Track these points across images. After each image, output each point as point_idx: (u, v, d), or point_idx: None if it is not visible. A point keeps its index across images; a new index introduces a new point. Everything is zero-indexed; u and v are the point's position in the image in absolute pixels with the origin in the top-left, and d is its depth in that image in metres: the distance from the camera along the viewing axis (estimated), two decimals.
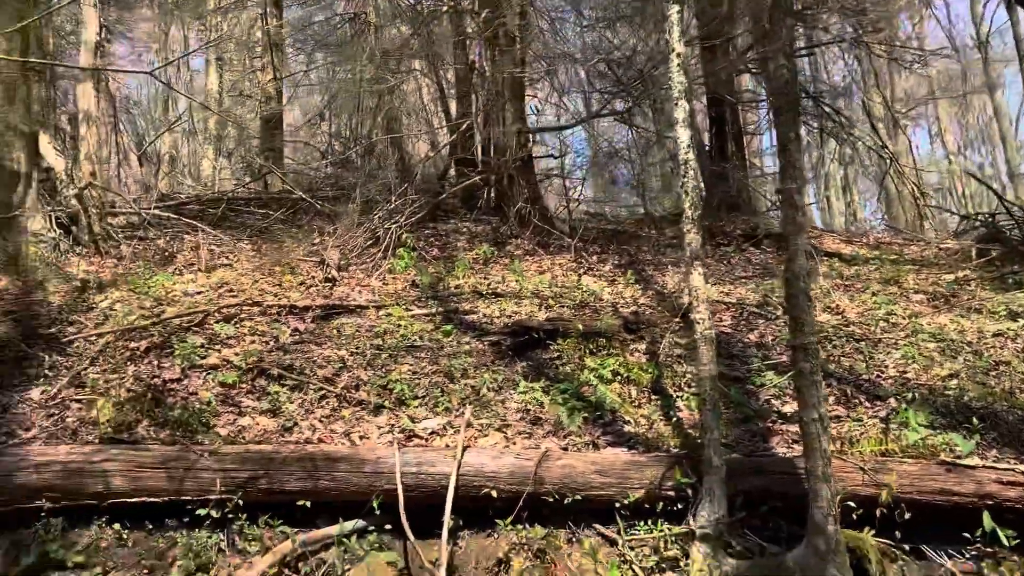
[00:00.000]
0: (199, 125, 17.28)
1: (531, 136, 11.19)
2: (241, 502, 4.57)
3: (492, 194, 11.28)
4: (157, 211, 10.04)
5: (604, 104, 10.67)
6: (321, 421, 5.48)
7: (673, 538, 4.61)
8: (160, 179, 12.72)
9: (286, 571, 4.41)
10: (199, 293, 7.41)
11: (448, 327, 6.86)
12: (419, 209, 9.75)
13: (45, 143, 9.91)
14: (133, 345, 6.19)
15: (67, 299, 7.10)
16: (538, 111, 13.30)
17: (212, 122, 14.62)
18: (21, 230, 9.08)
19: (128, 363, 5.91)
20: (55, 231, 9.35)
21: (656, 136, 11.51)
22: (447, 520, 4.49)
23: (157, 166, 12.88)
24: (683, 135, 5.06)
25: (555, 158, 11.89)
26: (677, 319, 6.84)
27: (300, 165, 13.24)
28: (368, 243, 9.05)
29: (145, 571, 4.42)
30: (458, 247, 9.95)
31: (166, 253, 9.04)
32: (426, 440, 5.33)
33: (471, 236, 10.45)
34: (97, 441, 4.98)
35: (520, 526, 4.66)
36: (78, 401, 5.48)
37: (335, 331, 6.78)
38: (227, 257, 8.96)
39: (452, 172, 11.92)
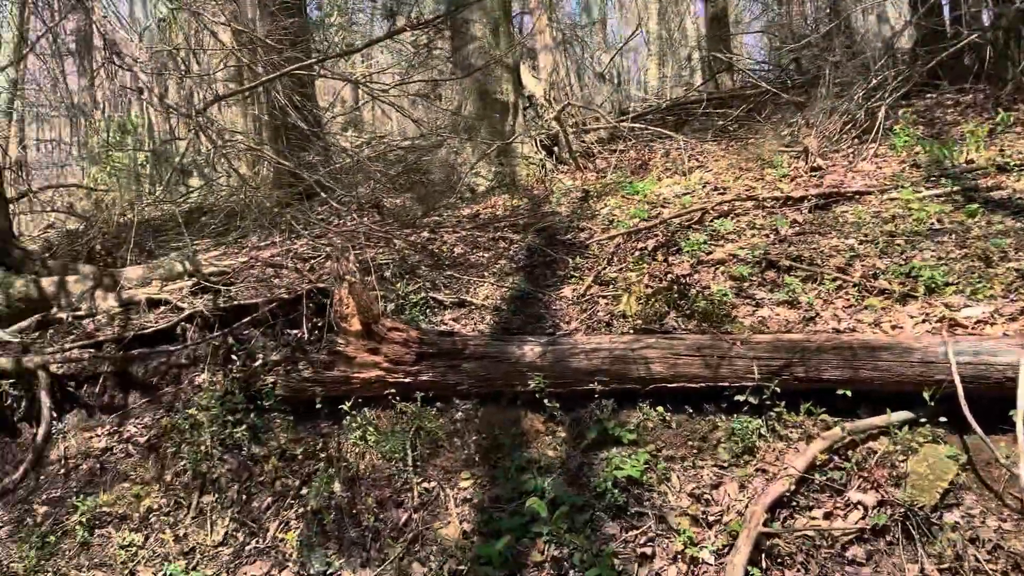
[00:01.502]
0: (644, 37, 17.74)
1: None
2: (778, 389, 4.55)
3: (985, 58, 9.58)
4: (626, 124, 10.51)
5: None
6: (844, 311, 5.23)
7: None
8: (614, 95, 13.32)
9: (836, 458, 4.31)
10: (686, 194, 7.58)
11: (973, 207, 6.01)
12: (901, 84, 8.70)
13: (524, 72, 10.95)
14: (640, 245, 6.57)
15: (571, 209, 7.81)
16: None
17: (655, 33, 14.85)
18: (515, 155, 10.25)
19: (641, 261, 6.28)
20: (540, 152, 10.36)
21: None
22: (1021, 414, 3.96)
23: (617, 82, 13.51)
24: None
25: None
26: None
27: (752, 61, 12.79)
28: (847, 126, 8.36)
29: (693, 451, 4.67)
30: (947, 121, 8.71)
31: (639, 162, 9.43)
32: (971, 329, 4.76)
33: (960, 108, 9.08)
34: (632, 331, 5.38)
35: None
36: (604, 297, 5.99)
37: (836, 220, 6.40)
38: (697, 159, 9.04)
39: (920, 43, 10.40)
